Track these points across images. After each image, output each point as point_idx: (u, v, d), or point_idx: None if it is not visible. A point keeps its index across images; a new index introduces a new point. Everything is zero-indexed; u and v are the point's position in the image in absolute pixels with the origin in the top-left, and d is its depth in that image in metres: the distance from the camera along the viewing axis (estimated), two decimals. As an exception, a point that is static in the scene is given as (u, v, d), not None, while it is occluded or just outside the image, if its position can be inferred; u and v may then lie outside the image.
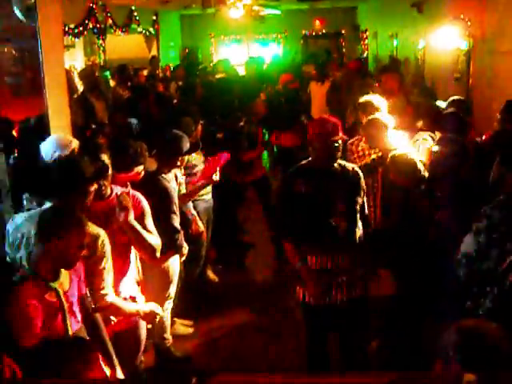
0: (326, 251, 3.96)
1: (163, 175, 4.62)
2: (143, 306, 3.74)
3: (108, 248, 3.39)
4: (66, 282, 3.03)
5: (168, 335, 4.96)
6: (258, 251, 7.34)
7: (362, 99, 5.82)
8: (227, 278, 6.58)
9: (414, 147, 5.28)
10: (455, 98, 5.41)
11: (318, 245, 3.96)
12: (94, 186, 3.42)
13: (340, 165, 4.08)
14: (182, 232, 4.63)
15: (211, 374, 2.18)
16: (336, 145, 3.93)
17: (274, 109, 8.77)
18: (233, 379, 2.32)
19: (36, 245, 3.03)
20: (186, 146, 4.79)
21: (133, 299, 3.81)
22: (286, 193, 4.09)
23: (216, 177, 5.40)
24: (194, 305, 5.65)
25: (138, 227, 3.72)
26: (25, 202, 3.97)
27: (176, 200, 4.63)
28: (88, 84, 8.45)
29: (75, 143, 4.59)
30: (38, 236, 2.96)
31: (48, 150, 4.56)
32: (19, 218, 3.46)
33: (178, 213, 4.62)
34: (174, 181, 4.88)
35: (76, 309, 3.10)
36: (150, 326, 4.12)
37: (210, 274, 6.45)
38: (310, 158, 4.07)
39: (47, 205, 3.37)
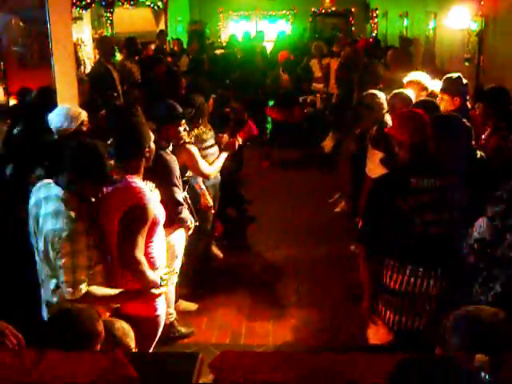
0: None
1: (163, 148, 4.53)
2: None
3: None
4: None
5: (172, 310, 4.95)
6: (263, 227, 7.32)
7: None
8: (232, 254, 6.58)
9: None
10: (448, 75, 5.26)
11: None
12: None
13: None
14: (185, 205, 4.60)
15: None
16: None
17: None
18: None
19: None
20: (176, 113, 4.70)
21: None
22: None
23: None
24: (198, 280, 5.66)
25: None
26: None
27: (178, 173, 4.57)
28: (106, 54, 8.24)
29: (84, 115, 4.56)
30: None
31: (57, 121, 4.53)
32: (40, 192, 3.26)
33: (180, 186, 4.58)
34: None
35: None
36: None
37: (215, 250, 6.44)
38: None
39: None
